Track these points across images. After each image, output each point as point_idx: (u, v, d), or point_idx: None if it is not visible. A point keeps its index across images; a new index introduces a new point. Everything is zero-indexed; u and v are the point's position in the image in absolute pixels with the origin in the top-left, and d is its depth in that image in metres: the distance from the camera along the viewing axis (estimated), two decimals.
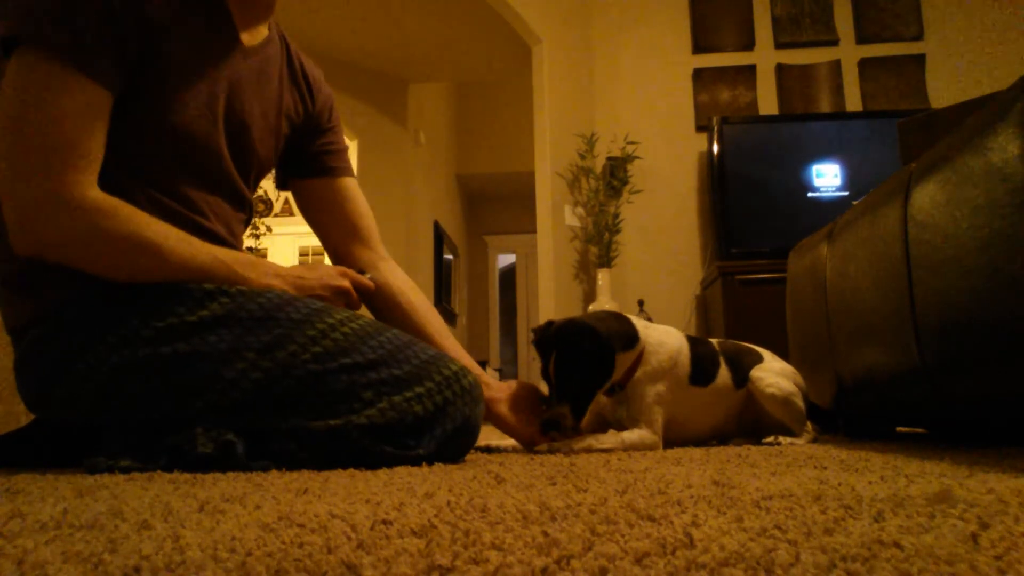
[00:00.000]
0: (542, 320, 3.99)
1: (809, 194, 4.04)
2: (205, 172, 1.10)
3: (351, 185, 1.35)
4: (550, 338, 1.38)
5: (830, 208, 4.00)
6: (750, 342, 1.68)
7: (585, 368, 1.34)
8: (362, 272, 1.21)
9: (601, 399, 1.45)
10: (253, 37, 1.15)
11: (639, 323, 1.44)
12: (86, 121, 0.93)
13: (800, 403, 1.52)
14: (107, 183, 0.97)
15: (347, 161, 1.36)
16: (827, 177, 4.06)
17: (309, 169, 1.32)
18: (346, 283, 1.14)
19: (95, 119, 0.94)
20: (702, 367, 1.50)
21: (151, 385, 0.95)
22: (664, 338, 1.46)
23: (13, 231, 0.93)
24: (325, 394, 0.96)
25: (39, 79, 0.91)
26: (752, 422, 1.58)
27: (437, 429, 1.00)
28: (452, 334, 1.37)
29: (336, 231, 1.34)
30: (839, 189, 4.02)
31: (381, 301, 1.29)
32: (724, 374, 1.54)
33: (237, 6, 1.12)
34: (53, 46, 0.91)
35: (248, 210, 1.23)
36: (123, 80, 0.97)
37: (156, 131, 1.03)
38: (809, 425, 1.57)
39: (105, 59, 0.94)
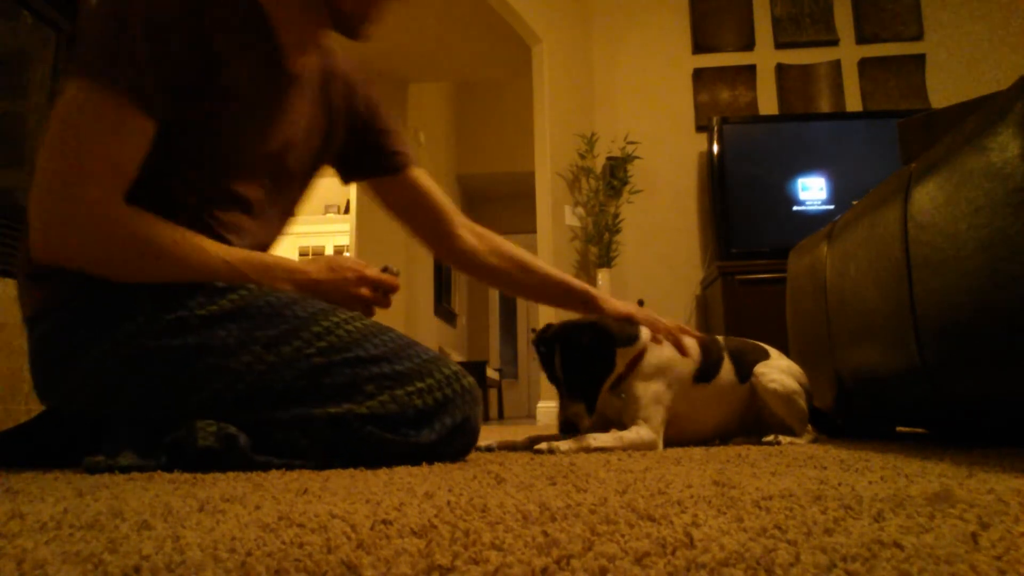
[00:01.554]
0: (542, 321, 4.03)
1: (797, 206, 4.04)
2: (243, 197, 1.12)
3: (416, 176, 1.35)
4: (552, 338, 1.40)
5: (829, 208, 4.00)
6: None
7: (590, 363, 1.37)
8: (385, 270, 1.19)
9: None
10: (300, 61, 1.15)
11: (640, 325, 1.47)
12: (127, 147, 0.96)
13: (802, 402, 1.52)
14: (148, 187, 0.99)
15: (401, 155, 1.34)
16: (827, 178, 4.06)
17: (373, 168, 1.33)
18: (364, 291, 1.13)
19: (137, 145, 0.97)
20: (706, 365, 1.51)
21: (159, 376, 0.97)
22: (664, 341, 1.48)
23: (34, 237, 0.96)
24: (328, 385, 0.98)
25: (93, 107, 0.94)
26: (754, 420, 1.58)
27: (437, 424, 1.02)
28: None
29: (420, 223, 1.38)
30: (840, 189, 4.02)
31: (497, 258, 1.39)
32: (728, 371, 1.54)
33: (289, 35, 1.11)
34: (111, 81, 0.93)
35: (281, 225, 1.26)
36: (174, 111, 0.99)
37: (206, 155, 1.05)
38: (809, 426, 1.57)
39: (159, 94, 0.96)
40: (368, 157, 1.32)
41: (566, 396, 1.37)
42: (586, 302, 1.49)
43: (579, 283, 1.48)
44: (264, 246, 1.19)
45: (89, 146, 0.94)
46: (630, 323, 1.45)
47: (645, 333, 1.45)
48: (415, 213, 1.37)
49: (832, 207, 3.98)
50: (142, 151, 0.97)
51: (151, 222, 0.98)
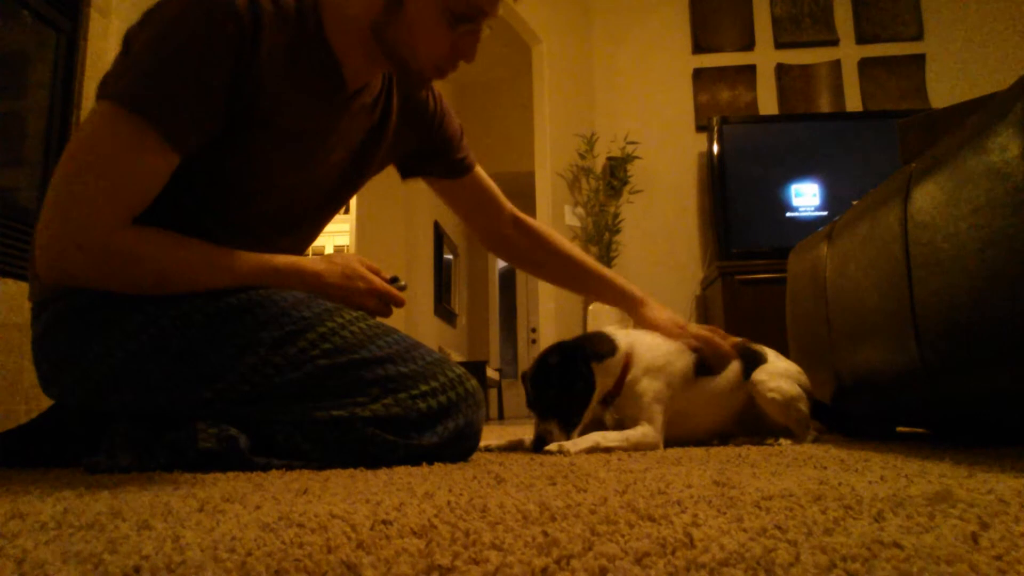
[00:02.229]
0: (542, 321, 4.02)
1: (790, 212, 4.04)
2: (277, 218, 1.12)
3: (476, 176, 1.42)
4: (529, 371, 1.43)
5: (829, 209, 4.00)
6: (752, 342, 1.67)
7: (562, 382, 1.37)
8: (394, 280, 1.19)
9: (597, 408, 1.46)
10: (362, 79, 1.12)
11: (620, 333, 1.48)
12: (144, 177, 0.93)
13: (803, 407, 1.51)
14: (173, 207, 0.98)
15: (465, 161, 1.39)
16: (827, 178, 4.06)
17: (440, 171, 1.37)
18: (371, 302, 1.12)
19: (155, 177, 0.94)
20: (702, 365, 1.51)
21: (163, 372, 0.97)
22: (657, 340, 1.48)
23: (39, 255, 0.94)
24: (332, 388, 0.98)
25: (117, 134, 0.91)
26: (754, 421, 1.58)
27: (440, 427, 1.02)
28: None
29: (473, 216, 1.48)
30: (838, 192, 4.02)
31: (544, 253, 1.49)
32: (733, 372, 1.54)
33: (353, 66, 1.08)
34: (141, 112, 0.90)
35: (312, 239, 1.28)
36: (204, 145, 0.97)
37: (237, 182, 1.04)
38: (814, 423, 1.56)
39: (191, 131, 0.94)
40: (434, 161, 1.34)
41: (538, 416, 1.38)
42: (627, 303, 1.53)
43: (625, 285, 1.56)
44: (298, 252, 1.20)
45: (104, 173, 0.91)
46: (600, 335, 1.46)
47: (624, 342, 1.45)
48: (470, 209, 1.45)
49: (826, 213, 3.98)
50: (161, 182, 0.94)
51: (156, 243, 0.96)
